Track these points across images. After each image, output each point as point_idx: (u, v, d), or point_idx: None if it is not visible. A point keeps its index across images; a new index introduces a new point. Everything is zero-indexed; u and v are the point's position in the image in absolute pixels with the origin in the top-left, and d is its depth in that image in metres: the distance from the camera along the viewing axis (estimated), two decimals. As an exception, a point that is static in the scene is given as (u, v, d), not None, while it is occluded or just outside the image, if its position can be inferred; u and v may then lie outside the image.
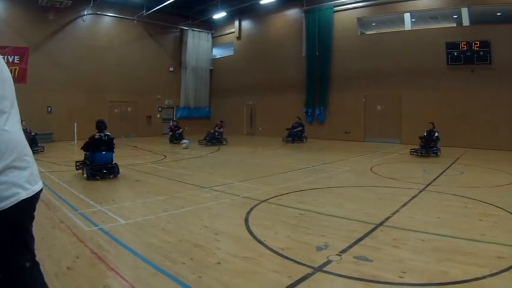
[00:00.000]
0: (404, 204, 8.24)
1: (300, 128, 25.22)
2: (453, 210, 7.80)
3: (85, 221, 6.80)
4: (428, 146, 17.61)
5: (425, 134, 18.14)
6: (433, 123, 18.38)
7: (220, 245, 5.74)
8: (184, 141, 21.59)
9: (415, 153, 17.68)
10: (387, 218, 7.07)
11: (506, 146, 19.89)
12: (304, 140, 24.94)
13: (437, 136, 17.93)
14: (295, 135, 24.81)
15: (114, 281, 4.43)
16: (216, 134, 23.19)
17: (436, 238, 5.96)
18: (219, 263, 4.96)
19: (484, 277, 4.44)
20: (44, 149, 18.09)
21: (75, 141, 21.37)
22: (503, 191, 9.98)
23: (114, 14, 29.12)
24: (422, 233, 6.19)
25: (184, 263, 4.94)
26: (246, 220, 6.96)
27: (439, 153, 17.60)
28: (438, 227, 6.50)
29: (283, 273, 4.64)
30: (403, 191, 9.81)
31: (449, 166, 14.41)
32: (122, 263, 4.97)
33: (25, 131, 15.28)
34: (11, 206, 2.06)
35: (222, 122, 24.70)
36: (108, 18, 29.08)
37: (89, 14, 27.51)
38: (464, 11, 22.01)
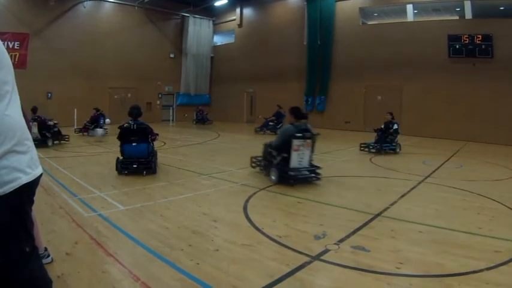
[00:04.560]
0: (403, 196, 8.27)
1: (273, 118, 23.04)
2: (451, 203, 7.83)
3: (84, 207, 6.83)
4: (383, 141, 15.24)
5: (382, 127, 15.73)
6: (391, 113, 15.92)
7: (218, 232, 5.79)
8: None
9: (366, 149, 15.52)
10: (385, 209, 7.10)
11: (506, 140, 19.85)
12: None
13: (395, 129, 15.39)
14: (265, 126, 22.75)
15: (113, 267, 4.46)
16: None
17: (434, 230, 5.99)
18: (217, 250, 5.00)
19: (480, 270, 4.46)
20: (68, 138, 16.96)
21: (75, 126, 21.30)
22: (502, 185, 10.00)
23: (115, 0, 28.97)
24: (420, 225, 6.22)
25: (182, 250, 4.98)
26: (245, 208, 7.00)
27: (398, 150, 15.37)
28: (436, 219, 6.53)
29: (280, 261, 4.68)
30: (402, 182, 9.84)
31: (449, 159, 14.41)
32: (120, 248, 5.00)
33: (40, 120, 15.08)
34: (12, 191, 2.07)
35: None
36: (109, 5, 28.90)
37: (89, 0, 27.39)
38: (467, 4, 21.90)
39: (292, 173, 8.87)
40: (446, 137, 19.98)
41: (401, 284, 4.23)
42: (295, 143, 8.88)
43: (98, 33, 27.69)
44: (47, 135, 15.34)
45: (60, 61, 25.65)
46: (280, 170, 9.01)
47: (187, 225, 6.01)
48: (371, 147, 15.34)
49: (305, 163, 9.20)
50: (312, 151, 9.40)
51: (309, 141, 9.13)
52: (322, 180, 9.57)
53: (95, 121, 20.10)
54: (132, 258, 4.72)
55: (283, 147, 9.02)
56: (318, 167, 9.49)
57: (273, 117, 22.95)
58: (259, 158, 10.40)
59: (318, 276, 4.45)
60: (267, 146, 9.80)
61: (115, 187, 8.62)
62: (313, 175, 9.31)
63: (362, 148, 15.71)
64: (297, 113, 9.40)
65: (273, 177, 9.18)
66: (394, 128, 15.40)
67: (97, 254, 4.80)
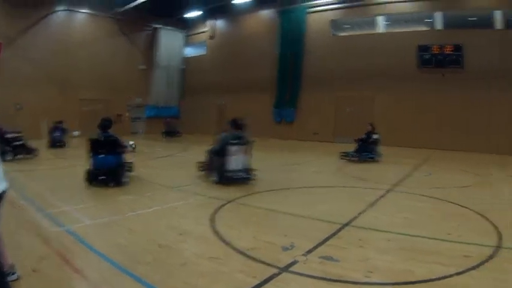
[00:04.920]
0: (371, 205, 8.24)
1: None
2: (420, 211, 7.85)
3: (51, 222, 6.60)
4: (363, 150, 15.82)
5: (363, 136, 16.23)
6: (372, 124, 16.47)
7: (186, 245, 5.66)
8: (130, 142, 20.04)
9: (346, 158, 16.03)
10: (354, 218, 7.05)
11: (475, 148, 20.24)
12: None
13: (376, 138, 16.07)
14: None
15: (80, 283, 4.35)
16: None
17: (402, 238, 5.97)
18: (185, 264, 4.90)
19: (450, 276, 4.46)
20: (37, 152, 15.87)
21: (45, 139, 20.93)
22: (470, 191, 10.14)
23: (88, 10, 28.66)
24: (388, 233, 6.20)
25: (149, 264, 4.86)
26: (212, 220, 6.86)
27: (377, 159, 15.85)
28: (404, 227, 6.51)
29: (248, 274, 4.59)
30: (371, 191, 9.83)
31: (418, 167, 14.53)
32: (87, 264, 4.85)
33: None
34: None
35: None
36: (82, 15, 28.56)
37: (62, 10, 27.03)
38: (438, 15, 22.35)
39: (229, 174, 10.31)
40: (416, 146, 20.19)
41: (370, 293, 4.15)
42: (232, 148, 10.37)
43: (70, 44, 27.28)
44: (6, 148, 14.26)
45: (31, 71, 25.09)
46: (220, 171, 10.34)
47: (154, 238, 5.87)
48: (351, 155, 15.86)
49: (240, 166, 10.51)
50: (247, 156, 10.73)
51: (243, 147, 10.61)
52: (290, 191, 9.73)
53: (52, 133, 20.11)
54: (99, 274, 4.60)
55: (222, 153, 10.39)
56: (252, 169, 10.79)
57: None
58: (204, 163, 11.58)
59: (287, 288, 4.37)
60: (209, 152, 11.14)
61: (82, 201, 8.37)
62: (248, 176, 10.60)
63: (342, 157, 16.13)
64: (234, 123, 10.94)
65: (214, 178, 10.49)
66: (374, 137, 16.01)
67: (64, 270, 4.64)
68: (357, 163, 15.29)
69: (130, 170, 11.00)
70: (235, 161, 10.39)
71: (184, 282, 4.37)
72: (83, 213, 7.20)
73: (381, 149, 16.31)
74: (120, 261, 4.88)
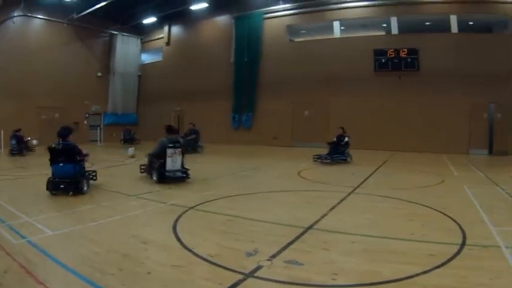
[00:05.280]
0: (333, 207, 8.23)
1: (194, 136, 22.38)
2: (382, 212, 7.90)
3: (13, 233, 6.33)
4: (334, 152, 16.67)
5: (334, 140, 17.18)
6: (342, 128, 17.43)
7: (149, 254, 5.52)
8: (130, 148, 20.30)
9: (318, 160, 16.76)
10: (316, 221, 7.02)
11: (433, 148, 20.84)
12: (199, 150, 22.19)
13: (346, 141, 16.94)
14: (187, 145, 19.86)
15: (44, 295, 4.16)
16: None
17: (366, 239, 5.96)
18: (149, 273, 4.77)
19: (416, 275, 4.46)
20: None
21: (2, 149, 20.35)
22: (432, 191, 10.33)
23: (45, 16, 28.07)
24: (352, 235, 6.19)
25: (113, 274, 4.70)
26: (174, 228, 6.72)
27: (349, 159, 16.85)
28: (368, 229, 6.52)
29: (213, 281, 4.52)
30: (332, 194, 9.86)
31: (378, 169, 14.76)
32: (50, 276, 4.67)
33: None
34: None
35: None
36: (38, 21, 27.97)
37: (19, 16, 26.39)
38: (394, 20, 22.84)
39: (167, 174, 11.50)
40: (374, 148, 20.50)
41: (337, 295, 4.10)
42: (169, 151, 11.53)
43: (27, 50, 26.65)
44: None
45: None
46: (159, 172, 11.50)
47: (117, 248, 5.68)
48: (323, 158, 16.61)
49: (178, 166, 11.73)
50: (183, 157, 11.97)
51: (179, 149, 11.80)
52: (251, 196, 9.76)
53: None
54: (63, 286, 4.49)
55: (161, 155, 11.57)
56: (188, 169, 11.96)
57: (193, 135, 22.45)
58: (145, 165, 12.82)
59: (253, 293, 4.26)
60: (149, 155, 12.38)
61: (43, 211, 8.05)
62: (184, 175, 11.82)
63: (315, 159, 16.87)
64: (169, 129, 12.35)
65: (154, 178, 11.72)
66: (345, 140, 16.94)
67: (27, 282, 4.46)
68: (316, 167, 15.58)
69: (93, 179, 11.07)
70: (172, 162, 11.58)
71: (150, 292, 4.23)
72: (43, 224, 6.93)
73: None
74: (84, 272, 4.73)
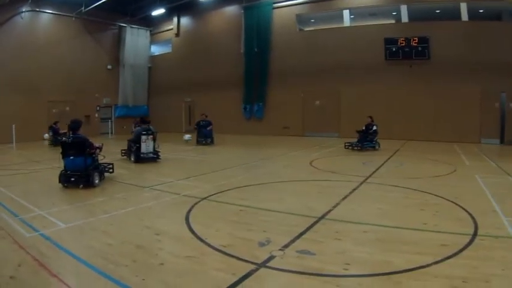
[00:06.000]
0: (345, 197, 8.23)
1: (211, 127, 21.79)
2: (394, 201, 7.88)
3: (25, 227, 6.38)
4: (364, 140, 17.52)
5: (363, 128, 17.92)
6: (371, 117, 18.12)
7: (162, 245, 5.55)
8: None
9: (349, 147, 17.61)
10: (328, 211, 7.02)
11: (444, 137, 20.74)
12: (210, 141, 21.46)
13: (375, 130, 17.70)
14: (207, 136, 21.31)
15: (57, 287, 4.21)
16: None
17: (378, 229, 5.96)
18: (162, 264, 4.80)
19: (428, 265, 4.45)
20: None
21: (14, 143, 20.47)
22: (443, 180, 10.26)
23: (53, 11, 28.00)
24: (364, 225, 6.18)
25: (127, 266, 4.74)
26: (187, 219, 6.75)
27: (377, 147, 17.60)
28: (380, 218, 6.52)
29: (226, 271, 4.52)
30: (344, 183, 9.84)
31: (389, 158, 14.69)
32: (64, 268, 4.71)
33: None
34: None
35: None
36: (47, 15, 27.91)
37: (27, 11, 26.35)
38: (404, 8, 22.65)
39: (142, 155, 14.44)
40: (385, 137, 20.38)
41: (350, 285, 4.15)
42: (143, 138, 14.48)
43: (35, 45, 26.66)
44: None
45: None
46: (136, 154, 14.48)
47: (130, 240, 5.72)
48: (354, 145, 17.55)
49: (150, 149, 14.66)
50: (155, 142, 14.88)
51: (150, 136, 14.67)
52: (263, 186, 9.79)
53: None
54: (76, 278, 4.48)
55: (136, 141, 14.53)
56: (159, 151, 14.96)
57: (211, 126, 21.90)
58: (125, 150, 15.59)
59: (265, 283, 4.30)
60: (128, 141, 15.29)
61: (55, 204, 8.10)
62: (155, 156, 14.79)
63: (346, 147, 17.73)
64: (142, 120, 15.74)
65: (132, 159, 14.67)
66: (373, 129, 17.76)
67: (41, 275, 4.50)
68: (328, 156, 15.63)
69: (109, 171, 11.21)
70: (146, 146, 14.54)
71: (163, 283, 4.28)
72: (56, 217, 6.98)
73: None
74: (97, 264, 4.76)
